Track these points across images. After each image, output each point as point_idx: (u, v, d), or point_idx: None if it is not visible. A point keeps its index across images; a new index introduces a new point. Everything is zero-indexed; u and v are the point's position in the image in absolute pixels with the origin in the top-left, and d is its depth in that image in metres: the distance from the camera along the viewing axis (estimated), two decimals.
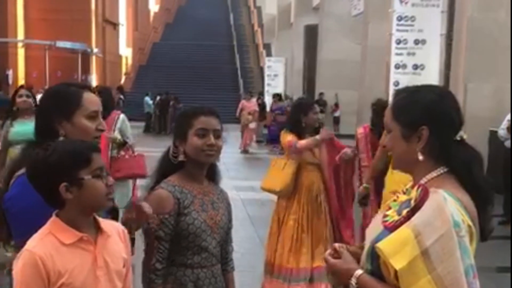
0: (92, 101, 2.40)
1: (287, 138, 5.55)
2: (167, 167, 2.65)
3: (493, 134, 11.58)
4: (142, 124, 24.62)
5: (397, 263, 1.73)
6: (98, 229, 2.09)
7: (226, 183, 11.75)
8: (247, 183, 12.35)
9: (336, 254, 1.98)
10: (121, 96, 19.33)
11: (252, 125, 19.27)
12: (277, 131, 19.40)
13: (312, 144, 5.51)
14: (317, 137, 5.50)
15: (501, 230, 8.47)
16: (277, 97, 21.55)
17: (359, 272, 1.88)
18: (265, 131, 22.02)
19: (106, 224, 2.14)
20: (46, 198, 2.04)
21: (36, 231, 2.15)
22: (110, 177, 2.09)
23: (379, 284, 1.85)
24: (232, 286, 2.88)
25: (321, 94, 25.65)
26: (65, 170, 1.97)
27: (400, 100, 1.97)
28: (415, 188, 1.86)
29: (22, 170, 2.26)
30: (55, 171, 1.97)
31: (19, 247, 2.23)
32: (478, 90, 12.30)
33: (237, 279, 6.16)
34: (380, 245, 1.78)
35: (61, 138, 2.31)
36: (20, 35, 31.29)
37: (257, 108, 19.98)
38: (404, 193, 1.94)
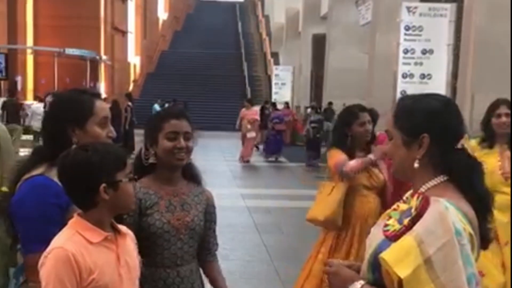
0: (103, 108, 2.45)
1: (333, 157, 4.51)
2: (140, 168, 2.67)
3: None
4: None
5: (402, 271, 1.72)
6: (114, 229, 2.13)
7: (233, 191, 11.89)
8: (253, 191, 12.37)
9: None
10: (129, 103, 19.32)
11: (251, 134, 18.23)
12: (276, 141, 19.04)
13: (363, 165, 4.41)
14: (371, 156, 4.44)
15: None
16: (272, 106, 21.18)
17: (361, 282, 1.88)
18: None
19: (120, 226, 2.19)
20: (80, 198, 2.06)
21: (39, 236, 2.18)
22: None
23: None
24: (218, 275, 2.87)
25: (330, 103, 25.68)
26: (106, 171, 2.02)
27: (403, 107, 1.97)
28: (415, 196, 1.86)
29: (31, 173, 2.30)
30: (98, 171, 2.00)
31: (24, 252, 2.26)
32: (485, 100, 12.08)
33: (243, 286, 6.18)
34: (384, 255, 1.78)
35: (74, 146, 2.31)
36: (30, 41, 31.45)
37: (257, 117, 19.19)
38: (405, 202, 1.94)
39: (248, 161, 17.69)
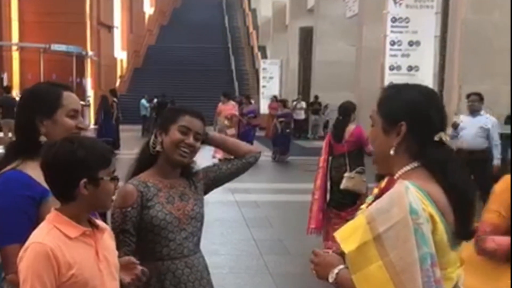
0: (71, 100, 2.44)
1: None
2: (145, 162, 2.70)
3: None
4: (138, 127, 24.58)
5: (347, 247, 1.78)
6: (92, 225, 2.12)
7: (222, 186, 11.69)
8: (242, 186, 12.34)
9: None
10: (115, 99, 19.28)
11: (231, 131, 16.25)
12: (246, 136, 17.06)
13: None
14: None
15: None
16: (246, 99, 19.64)
17: (340, 267, 1.90)
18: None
19: (98, 221, 2.17)
20: (59, 190, 2.05)
21: (11, 229, 2.19)
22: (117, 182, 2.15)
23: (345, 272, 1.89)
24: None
25: (316, 97, 25.77)
26: (89, 167, 2.00)
27: (386, 95, 2.02)
28: (385, 180, 1.96)
29: (6, 168, 2.31)
30: (81, 165, 1.99)
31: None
32: (473, 91, 12.31)
33: (233, 280, 6.18)
34: (336, 232, 1.85)
35: (42, 136, 2.34)
36: (15, 38, 31.21)
37: (236, 112, 17.43)
38: (376, 187, 2.03)
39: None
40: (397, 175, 1.92)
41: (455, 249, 1.89)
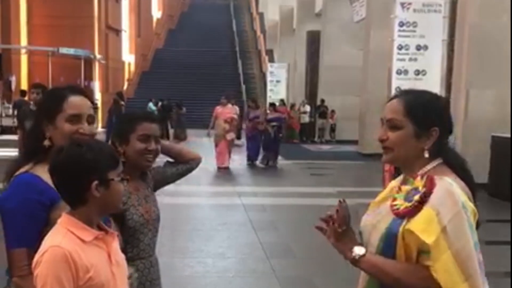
0: (74, 105, 2.39)
1: None
2: None
3: (495, 140, 11.58)
4: None
5: (428, 238, 1.91)
6: (101, 229, 2.12)
7: (228, 189, 11.85)
8: (248, 189, 12.37)
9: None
10: (122, 102, 19.43)
11: (230, 136, 15.70)
12: (254, 143, 16.48)
13: None
14: None
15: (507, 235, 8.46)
16: (253, 104, 18.09)
17: (363, 250, 2.05)
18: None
19: (105, 226, 2.18)
20: (70, 194, 2.04)
21: (21, 233, 2.20)
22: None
23: (385, 259, 2.02)
24: None
25: (322, 101, 25.81)
26: (99, 169, 2.01)
27: (416, 101, 2.13)
28: (418, 178, 2.05)
29: (20, 170, 2.31)
30: (91, 168, 1.99)
31: (7, 248, 2.27)
32: (480, 96, 12.31)
33: (239, 284, 6.19)
34: (409, 227, 1.95)
35: (46, 140, 2.34)
36: (23, 41, 31.35)
37: (235, 116, 16.27)
38: (404, 184, 2.10)
39: (227, 167, 15.28)
40: (421, 172, 2.07)
41: None
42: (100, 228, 2.12)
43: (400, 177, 2.22)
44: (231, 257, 7.09)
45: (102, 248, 2.06)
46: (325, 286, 5.82)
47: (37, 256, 1.97)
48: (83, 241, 2.00)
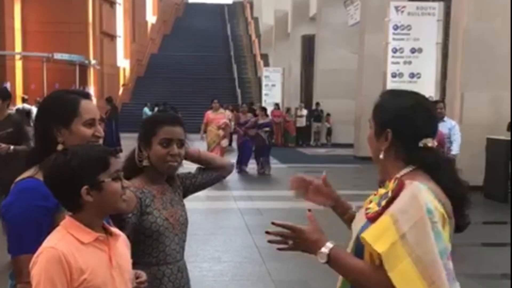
0: (89, 109, 2.42)
1: None
2: (131, 170, 2.69)
3: (490, 142, 11.61)
4: None
5: (380, 247, 1.89)
6: (106, 231, 2.13)
7: (224, 193, 11.80)
8: (244, 193, 12.37)
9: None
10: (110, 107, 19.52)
11: (224, 143, 15.17)
12: (246, 149, 15.78)
13: None
14: None
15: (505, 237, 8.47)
16: (245, 108, 17.60)
17: (330, 245, 2.01)
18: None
19: (112, 228, 2.18)
20: (65, 202, 2.06)
21: (25, 239, 2.18)
22: (125, 180, 2.14)
23: (351, 257, 2.01)
24: None
25: (317, 104, 25.83)
26: (87, 174, 2.00)
27: (379, 102, 2.15)
28: (392, 181, 2.02)
29: (22, 176, 2.30)
30: (77, 175, 1.99)
31: (11, 255, 2.26)
32: (474, 98, 12.35)
33: (235, 287, 6.17)
34: (364, 234, 1.94)
35: (59, 145, 2.32)
36: (18, 47, 31.34)
37: (227, 121, 15.61)
38: (382, 187, 2.10)
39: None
40: (398, 176, 2.03)
41: (450, 241, 2.03)
42: (106, 230, 2.12)
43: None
44: (227, 261, 7.08)
45: (102, 250, 2.06)
46: None
47: (34, 257, 1.98)
48: (81, 242, 2.00)
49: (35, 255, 1.98)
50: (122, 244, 2.18)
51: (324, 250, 2.00)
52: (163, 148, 2.63)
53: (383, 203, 1.98)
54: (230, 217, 9.60)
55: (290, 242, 2.08)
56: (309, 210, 2.15)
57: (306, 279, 6.32)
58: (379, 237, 1.91)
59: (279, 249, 2.13)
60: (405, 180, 1.99)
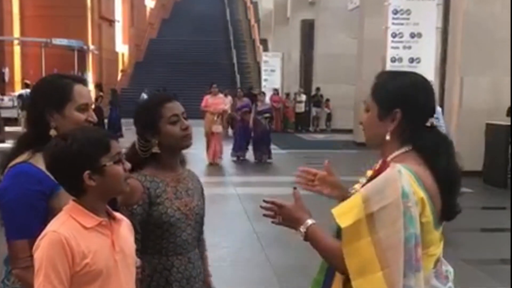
0: (82, 94, 2.40)
1: None
2: (136, 161, 2.58)
3: (490, 127, 11.59)
4: None
5: (343, 222, 1.90)
6: (109, 215, 2.12)
7: (223, 179, 11.81)
8: (243, 179, 12.38)
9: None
10: (101, 93, 19.49)
11: (217, 129, 14.45)
12: (243, 135, 15.15)
13: None
14: None
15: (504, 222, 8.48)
16: (240, 93, 16.94)
17: (309, 222, 2.05)
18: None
19: (115, 213, 2.18)
20: (68, 187, 2.06)
21: (21, 224, 2.19)
22: (127, 162, 2.12)
23: (326, 236, 2.03)
24: (205, 264, 2.88)
25: (317, 89, 25.79)
26: (88, 158, 1.99)
27: (381, 83, 2.11)
28: (379, 162, 2.04)
29: (15, 161, 2.29)
30: (78, 159, 1.98)
31: (7, 240, 2.25)
32: (474, 83, 12.31)
33: (234, 273, 6.18)
34: (333, 209, 1.96)
35: (52, 130, 2.31)
36: (16, 32, 31.24)
37: (226, 107, 15.13)
38: (371, 169, 2.11)
39: (217, 164, 14.23)
40: (389, 158, 2.02)
41: (438, 228, 2.01)
42: (109, 214, 2.11)
43: None
44: (226, 247, 7.09)
45: (105, 235, 2.06)
46: None
47: (37, 240, 1.98)
48: (84, 227, 2.00)
49: (39, 238, 1.98)
50: (125, 229, 2.17)
51: (302, 228, 2.05)
52: (174, 126, 2.56)
53: (364, 182, 2.02)
54: (229, 203, 9.61)
55: (278, 217, 2.16)
56: (295, 188, 2.19)
57: (305, 264, 6.31)
58: (345, 213, 1.92)
59: (272, 222, 2.23)
60: (391, 162, 1.98)
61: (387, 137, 2.03)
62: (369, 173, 2.09)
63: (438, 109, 9.58)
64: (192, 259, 2.65)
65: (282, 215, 2.14)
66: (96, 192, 2.03)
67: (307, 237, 2.05)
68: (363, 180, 2.10)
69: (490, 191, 10.78)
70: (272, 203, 2.16)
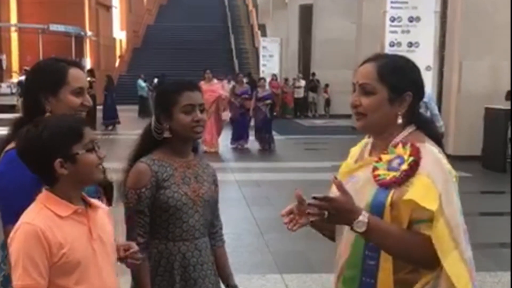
0: (78, 77, 2.39)
1: None
2: (149, 143, 2.62)
3: (489, 111, 11.56)
4: (136, 107, 24.33)
5: (430, 205, 1.85)
6: (85, 203, 2.09)
7: (222, 165, 11.78)
8: (242, 165, 12.36)
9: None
10: (93, 79, 19.39)
11: (225, 115, 14.20)
12: (242, 123, 14.79)
13: None
14: None
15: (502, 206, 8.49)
16: (241, 77, 16.54)
17: (366, 214, 1.88)
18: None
19: (92, 200, 2.15)
20: (40, 175, 2.03)
21: (16, 208, 2.15)
22: (101, 150, 2.09)
23: (388, 223, 1.91)
24: (224, 260, 2.87)
25: (313, 74, 25.74)
26: (59, 146, 1.95)
27: (389, 65, 2.06)
28: (399, 146, 1.98)
29: (10, 145, 2.27)
30: (49, 147, 1.94)
31: (3, 224, 2.24)
32: (473, 67, 12.27)
33: (233, 259, 6.16)
34: (408, 196, 1.87)
35: (47, 114, 2.30)
36: (13, 19, 31.09)
37: (223, 92, 14.52)
38: (385, 153, 2.01)
39: (216, 152, 13.78)
40: (398, 139, 2.01)
41: None
42: (85, 201, 2.08)
43: (363, 143, 2.20)
44: (225, 233, 7.00)
45: (81, 223, 2.03)
46: (319, 260, 5.82)
47: (12, 233, 1.96)
48: (59, 216, 1.97)
49: (13, 231, 1.96)
50: (102, 216, 2.14)
51: (363, 218, 1.86)
52: (187, 115, 2.53)
53: (404, 166, 1.92)
54: (228, 189, 9.59)
55: (326, 213, 1.89)
56: (335, 177, 1.97)
57: (304, 250, 6.33)
58: (424, 196, 1.87)
59: (312, 220, 1.92)
60: (415, 143, 1.97)
61: (399, 121, 2.02)
62: (387, 157, 1.98)
63: (429, 92, 9.51)
64: (199, 246, 2.62)
65: (334, 209, 1.88)
66: (68, 180, 1.99)
67: (369, 225, 1.86)
68: (381, 166, 1.98)
69: (489, 176, 10.77)
70: (323, 198, 1.89)
